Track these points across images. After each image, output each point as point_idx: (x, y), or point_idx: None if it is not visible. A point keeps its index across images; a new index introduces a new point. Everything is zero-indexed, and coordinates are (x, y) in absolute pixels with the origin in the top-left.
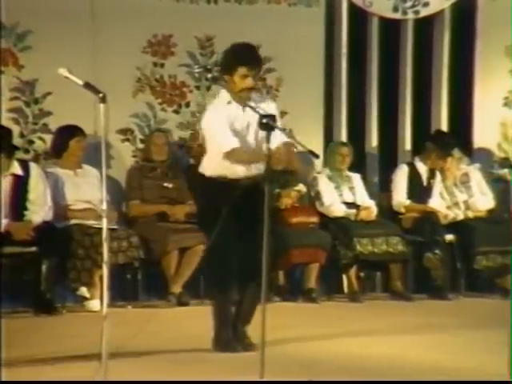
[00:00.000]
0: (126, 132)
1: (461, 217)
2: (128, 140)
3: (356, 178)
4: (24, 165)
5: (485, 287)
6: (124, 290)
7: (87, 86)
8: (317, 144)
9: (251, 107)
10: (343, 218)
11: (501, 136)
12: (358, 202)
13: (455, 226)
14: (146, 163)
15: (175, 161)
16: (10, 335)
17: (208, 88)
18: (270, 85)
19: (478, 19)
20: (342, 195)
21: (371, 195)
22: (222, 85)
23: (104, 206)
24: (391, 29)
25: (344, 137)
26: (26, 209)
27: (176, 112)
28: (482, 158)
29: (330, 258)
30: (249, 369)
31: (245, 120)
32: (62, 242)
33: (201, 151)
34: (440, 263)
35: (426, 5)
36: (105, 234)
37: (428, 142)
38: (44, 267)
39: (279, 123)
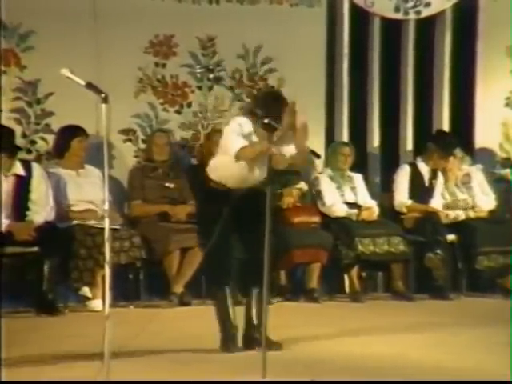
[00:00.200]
0: (127, 132)
1: (462, 217)
2: (130, 140)
3: (358, 178)
4: (26, 165)
5: (486, 287)
6: (126, 290)
7: (89, 86)
8: (318, 144)
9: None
10: (345, 218)
11: (502, 136)
12: (360, 202)
13: (457, 226)
14: (148, 163)
15: (177, 161)
16: (12, 335)
17: (210, 88)
18: (272, 85)
19: (479, 19)
20: (344, 195)
21: (373, 195)
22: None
23: (106, 206)
24: (393, 29)
25: (345, 137)
26: (28, 209)
27: (178, 112)
28: (484, 158)
29: (331, 258)
30: (251, 369)
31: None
32: (64, 242)
33: (202, 151)
34: (441, 263)
35: (427, 5)
36: (107, 234)
37: (429, 142)
38: (46, 267)
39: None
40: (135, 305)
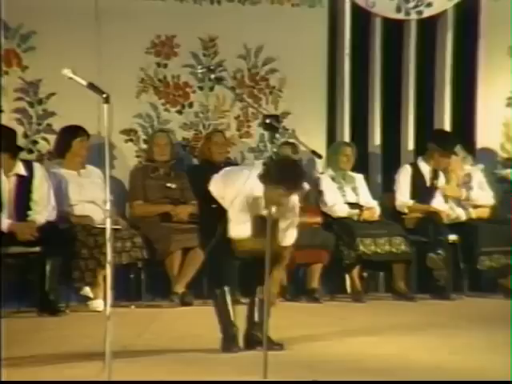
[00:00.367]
0: (129, 132)
1: (463, 217)
2: (131, 140)
3: (359, 178)
4: (28, 165)
5: (488, 287)
6: (127, 290)
7: (91, 86)
8: (320, 144)
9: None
10: (346, 218)
11: (504, 136)
12: (361, 203)
13: (458, 227)
14: (149, 163)
15: (178, 161)
16: (14, 335)
17: (211, 88)
18: (273, 85)
19: (481, 20)
20: (345, 195)
21: (374, 195)
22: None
23: (108, 207)
24: (394, 29)
25: (347, 137)
26: (29, 209)
27: (179, 112)
28: (485, 158)
29: (333, 258)
30: (252, 369)
31: None
32: (66, 242)
33: (203, 151)
34: (443, 263)
35: (429, 5)
36: (108, 234)
37: (430, 141)
38: (48, 267)
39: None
40: (137, 305)
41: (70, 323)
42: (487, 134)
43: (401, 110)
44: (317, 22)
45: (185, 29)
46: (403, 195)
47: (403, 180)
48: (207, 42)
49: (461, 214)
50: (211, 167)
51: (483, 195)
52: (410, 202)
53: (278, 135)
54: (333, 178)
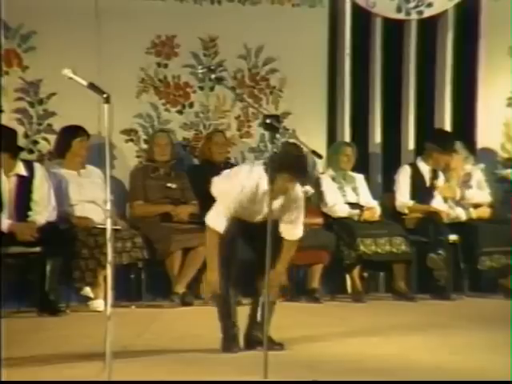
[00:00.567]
0: (129, 132)
1: (463, 216)
2: (132, 140)
3: (359, 178)
4: (28, 165)
5: (488, 287)
6: (128, 290)
7: (91, 86)
8: (320, 144)
9: (258, 110)
10: (347, 219)
11: (504, 136)
12: (362, 203)
13: (459, 227)
14: (150, 164)
15: (179, 161)
16: (14, 335)
17: (211, 88)
18: (274, 85)
19: (481, 20)
20: (346, 195)
21: (374, 195)
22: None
23: (108, 207)
24: (395, 29)
25: (347, 137)
26: (30, 209)
27: (180, 112)
28: (485, 158)
29: (333, 258)
30: (252, 369)
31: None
32: (66, 242)
33: (203, 151)
34: (443, 264)
35: (429, 5)
36: (109, 234)
37: (428, 141)
38: (48, 267)
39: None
40: (137, 305)
41: (70, 323)
42: (487, 134)
43: (401, 109)
44: (317, 22)
45: (185, 29)
46: (403, 196)
47: (403, 180)
48: (207, 42)
49: (461, 214)
50: (211, 167)
51: (479, 194)
52: (410, 203)
53: (278, 135)
54: (333, 178)
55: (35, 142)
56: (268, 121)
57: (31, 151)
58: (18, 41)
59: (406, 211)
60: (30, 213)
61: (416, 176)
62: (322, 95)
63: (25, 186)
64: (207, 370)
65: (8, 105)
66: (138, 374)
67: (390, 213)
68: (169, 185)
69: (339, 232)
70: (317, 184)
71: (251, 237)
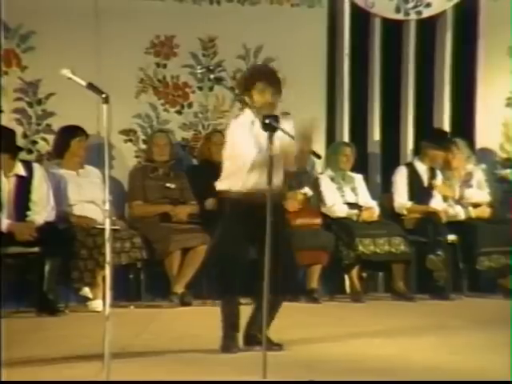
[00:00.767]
0: (128, 133)
1: (462, 215)
2: (131, 141)
3: (358, 178)
4: (27, 165)
5: (487, 288)
6: (127, 291)
7: (90, 86)
8: (319, 144)
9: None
10: (345, 219)
11: (503, 136)
12: (361, 203)
13: (457, 227)
14: (149, 164)
15: (178, 161)
16: (13, 335)
17: (210, 89)
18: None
19: (480, 20)
20: (345, 196)
21: (373, 195)
22: (245, 106)
23: (107, 207)
24: (393, 29)
25: (346, 137)
26: (28, 209)
27: (179, 113)
28: (484, 158)
29: (332, 259)
30: (251, 369)
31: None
32: (65, 242)
33: (202, 151)
34: (443, 265)
35: (428, 5)
36: (107, 234)
37: (423, 140)
38: (47, 267)
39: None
40: (136, 305)
41: (69, 323)
42: (487, 134)
43: (400, 110)
44: (316, 22)
45: (184, 29)
46: (401, 197)
47: (400, 181)
48: (206, 42)
49: (460, 212)
50: (210, 167)
51: (478, 193)
52: (409, 204)
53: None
54: (332, 179)
55: (34, 142)
56: (267, 121)
57: (30, 151)
58: (17, 41)
59: (405, 212)
60: (28, 213)
61: (413, 176)
62: (320, 95)
63: (24, 187)
64: (206, 370)
65: (7, 105)
66: (137, 374)
67: (389, 213)
68: (168, 185)
69: (338, 232)
70: (316, 184)
71: (256, 233)
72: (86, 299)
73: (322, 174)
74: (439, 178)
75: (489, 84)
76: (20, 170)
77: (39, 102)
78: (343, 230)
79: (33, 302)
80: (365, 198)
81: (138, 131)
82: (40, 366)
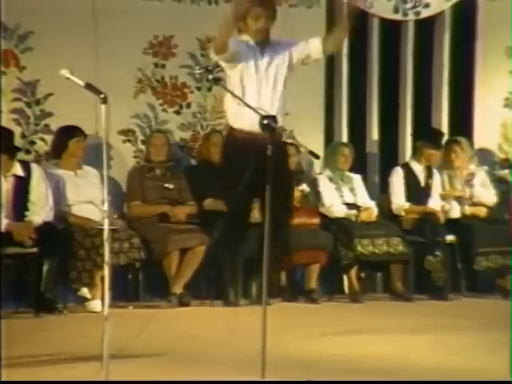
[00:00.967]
0: (127, 133)
1: (457, 210)
2: (129, 141)
3: (357, 178)
4: (25, 166)
5: (485, 288)
6: (125, 291)
7: (88, 86)
8: (317, 144)
9: (250, 107)
10: (344, 219)
11: (501, 137)
12: (359, 203)
13: (456, 227)
14: (146, 164)
15: (176, 161)
16: (12, 335)
17: (209, 89)
18: None
19: (478, 20)
20: (343, 196)
21: (372, 196)
22: (240, 32)
23: (105, 207)
24: (392, 30)
25: (345, 137)
26: (27, 209)
27: (177, 113)
28: (483, 159)
29: (330, 259)
30: (250, 369)
31: (263, 61)
32: (63, 242)
33: (201, 152)
34: (441, 265)
35: (426, 6)
36: (106, 234)
37: (418, 140)
38: (45, 267)
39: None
40: (134, 305)
41: (67, 324)
42: (485, 135)
43: (399, 110)
44: (314, 22)
45: (182, 29)
46: (398, 198)
47: (396, 182)
48: (205, 42)
49: (455, 208)
50: (209, 168)
51: (486, 193)
52: (406, 205)
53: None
54: (330, 179)
55: (32, 143)
56: (265, 121)
57: (28, 151)
58: (16, 41)
59: (403, 213)
60: (26, 213)
61: (410, 176)
62: (319, 95)
63: (22, 187)
64: (204, 370)
65: (5, 105)
66: (136, 374)
67: (387, 213)
68: (166, 185)
69: (336, 232)
70: (314, 184)
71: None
72: (85, 299)
73: (320, 174)
74: (436, 177)
75: (487, 84)
76: (18, 170)
77: (37, 103)
78: (342, 230)
79: (32, 302)
80: (363, 198)
81: (137, 131)
82: (39, 366)
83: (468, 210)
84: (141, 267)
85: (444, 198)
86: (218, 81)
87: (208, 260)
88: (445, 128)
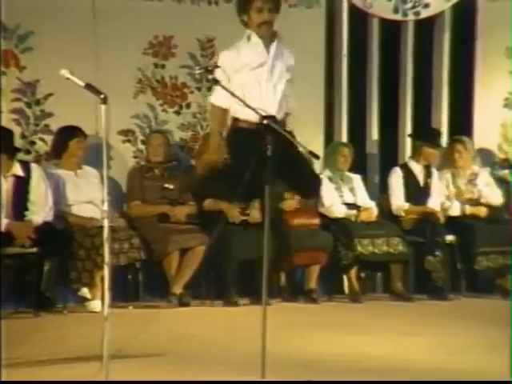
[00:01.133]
0: (127, 133)
1: (457, 208)
2: (129, 141)
3: (356, 178)
4: (25, 166)
5: (485, 288)
6: (125, 291)
7: (88, 87)
8: (317, 145)
9: (250, 107)
10: (344, 219)
11: (501, 137)
12: (359, 203)
13: (455, 227)
14: (146, 164)
15: (176, 162)
16: (12, 335)
17: (209, 89)
18: None
19: (478, 20)
20: (343, 196)
21: (372, 196)
22: (244, 26)
23: (105, 207)
24: (392, 30)
25: (345, 137)
26: (27, 209)
27: (177, 113)
28: (483, 159)
29: (330, 259)
30: (250, 369)
31: (266, 57)
32: (63, 242)
33: (201, 152)
34: (441, 265)
35: (426, 6)
36: (106, 234)
37: (416, 140)
38: (45, 267)
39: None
40: (134, 305)
41: (67, 324)
42: (485, 135)
43: (398, 110)
44: (314, 22)
45: (182, 29)
46: (398, 198)
47: (395, 183)
48: (205, 42)
49: (456, 206)
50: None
51: (493, 193)
52: (406, 206)
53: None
54: (330, 179)
55: (32, 143)
56: (265, 121)
57: (28, 152)
58: (16, 41)
59: (403, 214)
60: (26, 213)
61: (409, 177)
62: (319, 96)
63: (22, 187)
64: (204, 371)
65: (5, 105)
66: (136, 374)
67: (387, 213)
68: (166, 185)
69: (336, 232)
70: None
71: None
72: (85, 299)
73: (320, 174)
74: (435, 177)
75: (487, 85)
76: (18, 170)
77: (37, 103)
78: (342, 230)
79: (32, 302)
80: (363, 198)
81: (137, 132)
82: (39, 367)
83: (468, 209)
84: (141, 267)
85: (449, 199)
86: (217, 81)
87: (208, 260)
88: (445, 128)
